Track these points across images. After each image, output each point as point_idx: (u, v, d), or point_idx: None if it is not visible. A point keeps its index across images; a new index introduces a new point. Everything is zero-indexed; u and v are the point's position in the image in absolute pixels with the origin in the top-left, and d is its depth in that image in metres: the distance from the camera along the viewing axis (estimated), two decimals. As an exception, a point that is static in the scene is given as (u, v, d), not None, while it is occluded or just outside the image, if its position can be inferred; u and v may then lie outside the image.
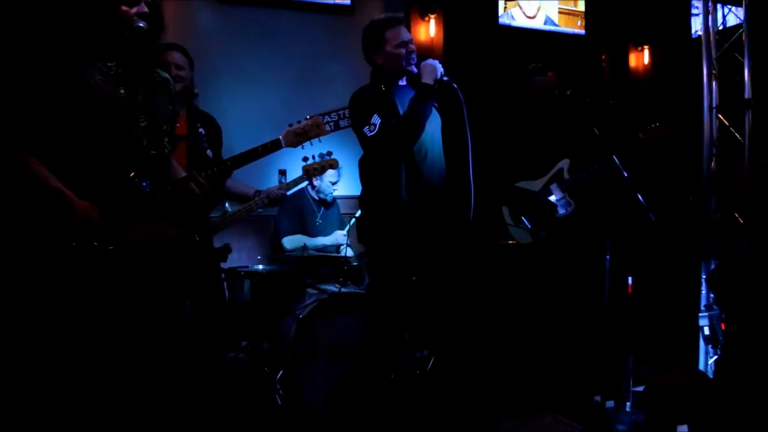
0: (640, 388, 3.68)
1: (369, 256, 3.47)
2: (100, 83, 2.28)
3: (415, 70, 3.24)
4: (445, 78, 3.19)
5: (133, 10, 2.29)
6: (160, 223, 2.41)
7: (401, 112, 3.18)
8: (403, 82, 3.31)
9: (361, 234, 3.51)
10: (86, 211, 2.23)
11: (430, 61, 3.22)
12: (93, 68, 2.28)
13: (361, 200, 3.44)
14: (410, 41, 3.24)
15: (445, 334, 3.47)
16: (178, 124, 3.31)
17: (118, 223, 2.29)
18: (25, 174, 2.20)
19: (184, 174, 2.65)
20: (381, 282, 3.29)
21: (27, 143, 2.20)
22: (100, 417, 2.25)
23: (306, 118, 3.19)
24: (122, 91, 2.32)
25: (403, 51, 3.21)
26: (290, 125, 3.16)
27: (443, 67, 3.21)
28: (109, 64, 2.31)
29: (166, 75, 2.54)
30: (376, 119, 3.09)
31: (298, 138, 3.13)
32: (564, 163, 4.06)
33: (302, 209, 4.61)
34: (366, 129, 3.12)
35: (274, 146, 3.02)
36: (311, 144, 3.16)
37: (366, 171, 3.33)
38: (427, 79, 3.17)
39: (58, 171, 2.23)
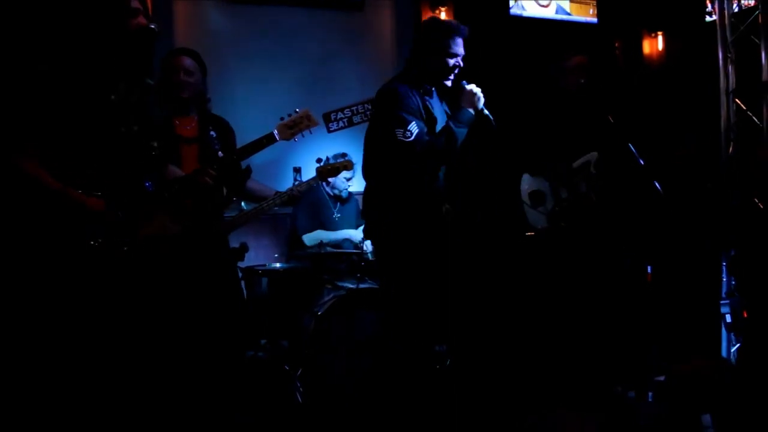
0: (662, 378, 3.66)
1: (379, 252, 3.44)
2: (94, 89, 2.31)
3: (450, 84, 3.25)
4: (486, 111, 3.20)
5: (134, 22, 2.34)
6: (166, 220, 2.47)
7: (437, 120, 3.20)
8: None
9: (374, 231, 3.46)
10: (95, 205, 2.26)
11: (472, 87, 3.21)
12: (87, 75, 2.30)
13: (373, 197, 3.36)
14: (462, 57, 3.23)
15: (466, 327, 3.45)
16: (188, 127, 3.36)
17: (126, 221, 2.32)
18: (22, 177, 2.23)
19: (181, 173, 2.71)
20: (401, 276, 3.27)
21: (22, 148, 2.23)
22: (106, 411, 2.28)
23: (296, 111, 3.28)
24: (113, 97, 2.35)
25: (453, 63, 3.20)
26: (282, 119, 3.25)
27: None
28: (102, 70, 2.34)
29: (152, 82, 2.58)
30: (413, 127, 3.05)
31: (290, 131, 3.24)
32: (591, 157, 3.99)
33: (318, 205, 4.61)
34: (399, 131, 3.05)
35: (269, 140, 3.16)
36: (303, 136, 3.22)
37: (384, 168, 3.26)
38: (467, 105, 3.19)
39: (60, 174, 2.25)
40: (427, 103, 3.24)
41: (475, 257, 3.36)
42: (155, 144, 2.53)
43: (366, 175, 3.35)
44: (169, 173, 2.79)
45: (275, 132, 3.21)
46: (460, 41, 3.21)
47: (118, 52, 2.36)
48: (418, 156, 3.09)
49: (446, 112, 3.33)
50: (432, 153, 3.13)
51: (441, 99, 3.34)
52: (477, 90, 3.21)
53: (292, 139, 3.28)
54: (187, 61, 3.40)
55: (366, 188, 3.38)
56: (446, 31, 3.20)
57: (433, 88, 3.31)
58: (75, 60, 2.29)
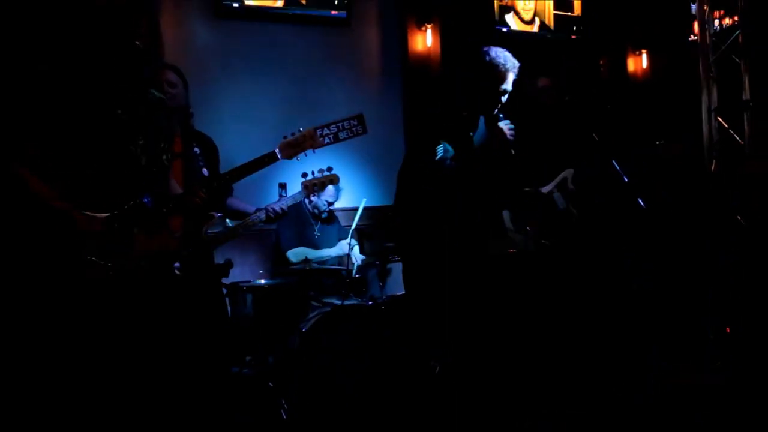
0: (654, 384, 3.68)
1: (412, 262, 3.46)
2: (99, 105, 2.31)
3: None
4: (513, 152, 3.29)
5: None
6: (166, 236, 2.47)
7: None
8: None
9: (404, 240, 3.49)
10: (86, 222, 2.25)
11: (504, 129, 3.27)
12: (92, 90, 2.31)
13: (402, 207, 3.43)
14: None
15: (468, 334, 3.44)
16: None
17: (124, 238, 2.31)
18: (20, 187, 2.23)
19: (180, 190, 2.74)
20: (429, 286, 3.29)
21: (21, 150, 2.24)
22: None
23: (299, 130, 3.23)
24: (120, 112, 2.35)
25: (504, 99, 3.29)
26: (285, 137, 3.19)
27: None
28: (107, 85, 2.35)
29: (161, 95, 2.59)
30: (440, 149, 3.12)
31: (293, 150, 3.16)
32: (568, 173, 4.02)
33: (301, 221, 4.61)
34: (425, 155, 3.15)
35: (270, 159, 3.07)
36: (305, 155, 3.17)
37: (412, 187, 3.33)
38: (495, 145, 3.26)
39: (60, 188, 2.25)
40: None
41: (475, 262, 3.36)
42: (165, 157, 2.55)
43: (401, 189, 3.41)
44: (172, 189, 2.79)
45: (278, 151, 3.16)
46: (512, 77, 3.26)
47: (124, 66, 2.38)
48: (437, 178, 3.15)
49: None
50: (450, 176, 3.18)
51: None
52: (507, 130, 3.25)
53: (294, 159, 3.25)
54: (170, 75, 3.42)
55: (398, 199, 3.43)
56: (507, 69, 3.23)
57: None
58: (83, 73, 2.30)
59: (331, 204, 4.67)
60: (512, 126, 3.27)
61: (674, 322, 4.33)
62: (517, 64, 3.26)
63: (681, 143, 4.98)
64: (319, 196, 4.54)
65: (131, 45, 2.35)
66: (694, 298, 4.45)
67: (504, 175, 3.42)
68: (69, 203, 2.26)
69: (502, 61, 3.24)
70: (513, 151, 3.26)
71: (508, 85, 3.25)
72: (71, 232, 2.24)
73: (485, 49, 3.31)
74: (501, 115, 3.27)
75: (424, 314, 3.31)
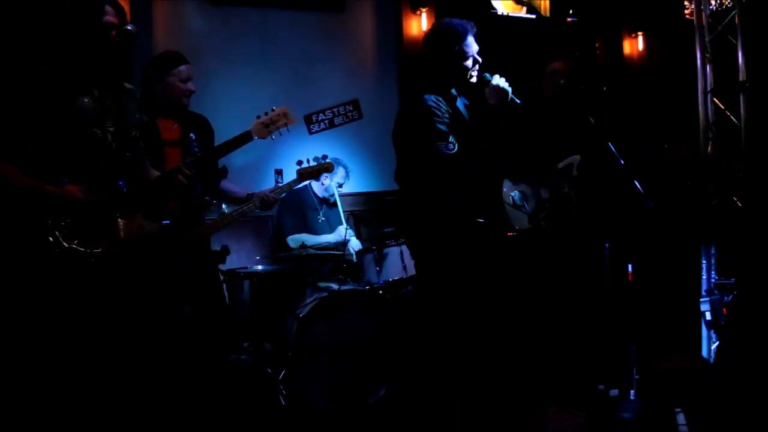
0: (653, 383, 3.68)
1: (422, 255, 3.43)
2: (66, 91, 2.31)
3: (475, 80, 3.24)
4: (518, 101, 3.18)
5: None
6: (143, 220, 2.48)
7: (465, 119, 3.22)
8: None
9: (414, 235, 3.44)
10: (64, 193, 2.25)
11: (498, 82, 3.17)
12: (59, 76, 2.30)
13: (415, 204, 3.32)
14: (478, 51, 3.24)
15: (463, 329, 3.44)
16: (171, 129, 3.35)
17: (101, 222, 2.31)
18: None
19: (157, 174, 2.78)
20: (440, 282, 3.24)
21: (22, 149, 2.23)
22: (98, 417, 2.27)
23: (272, 109, 3.28)
24: (86, 100, 2.36)
25: (472, 62, 3.21)
26: (258, 117, 3.25)
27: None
28: (79, 73, 2.34)
29: (131, 86, 2.59)
30: (453, 138, 3.07)
31: (267, 128, 3.25)
32: (574, 159, 4.01)
33: (304, 206, 4.60)
34: (441, 145, 3.05)
35: (244, 138, 3.15)
36: (280, 134, 3.20)
37: (430, 178, 3.22)
38: (493, 101, 3.17)
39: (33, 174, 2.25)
40: (457, 105, 3.24)
41: (472, 257, 3.35)
42: (133, 145, 2.54)
43: (404, 183, 3.32)
44: (149, 174, 2.80)
45: (251, 131, 3.21)
46: (472, 39, 3.20)
47: (89, 58, 2.36)
48: (467, 164, 3.10)
49: (466, 105, 3.32)
50: (474, 146, 3.14)
51: (460, 93, 3.32)
52: (503, 84, 3.17)
53: (269, 138, 3.27)
54: (191, 70, 3.40)
55: (403, 195, 3.36)
56: (457, 36, 3.17)
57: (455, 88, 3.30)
58: (50, 64, 2.29)
59: (341, 186, 4.66)
60: (503, 78, 3.18)
61: (673, 319, 4.33)
62: (470, 24, 3.22)
63: (685, 143, 4.97)
64: (331, 178, 4.54)
65: (96, 39, 2.35)
66: (693, 295, 4.45)
67: (514, 126, 3.37)
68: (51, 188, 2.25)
69: (462, 26, 3.19)
70: (518, 101, 3.19)
71: (472, 46, 3.19)
72: (47, 204, 2.23)
73: (436, 24, 3.28)
74: (487, 75, 3.20)
75: (430, 303, 3.29)
